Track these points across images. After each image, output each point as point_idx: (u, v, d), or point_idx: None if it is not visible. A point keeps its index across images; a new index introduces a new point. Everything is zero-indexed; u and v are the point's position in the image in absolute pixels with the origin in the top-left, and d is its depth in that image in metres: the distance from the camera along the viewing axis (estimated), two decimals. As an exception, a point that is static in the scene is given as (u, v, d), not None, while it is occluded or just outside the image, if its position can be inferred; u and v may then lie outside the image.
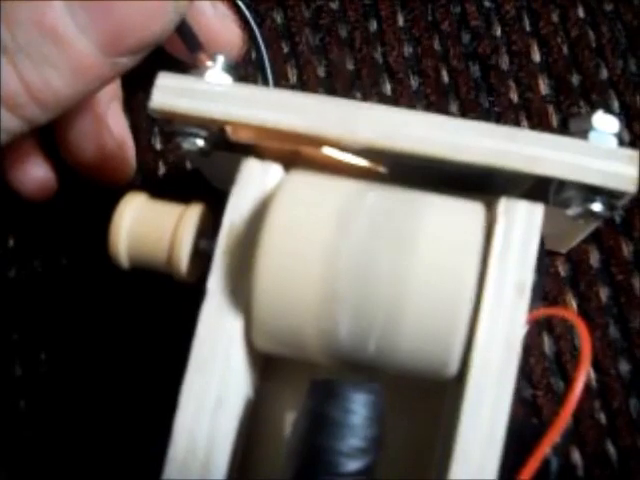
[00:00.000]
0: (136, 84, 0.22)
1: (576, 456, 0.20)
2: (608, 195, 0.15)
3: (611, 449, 0.20)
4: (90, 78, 0.17)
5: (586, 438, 0.20)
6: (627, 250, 0.20)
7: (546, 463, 0.16)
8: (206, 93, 0.15)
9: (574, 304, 0.20)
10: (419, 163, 0.15)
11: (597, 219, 0.15)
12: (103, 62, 0.17)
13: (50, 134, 0.21)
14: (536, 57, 0.22)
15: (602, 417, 0.20)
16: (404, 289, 0.14)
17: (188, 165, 0.23)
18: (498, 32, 0.22)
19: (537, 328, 0.20)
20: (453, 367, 0.14)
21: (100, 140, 0.21)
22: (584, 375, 0.15)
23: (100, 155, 0.21)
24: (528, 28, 0.22)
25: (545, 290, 0.20)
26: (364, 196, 0.15)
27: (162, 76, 0.16)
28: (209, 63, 0.16)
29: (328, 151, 0.15)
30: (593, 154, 0.15)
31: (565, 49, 0.21)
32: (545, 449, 0.15)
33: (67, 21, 0.16)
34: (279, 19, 0.23)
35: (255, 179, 0.15)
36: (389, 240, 0.14)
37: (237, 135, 0.15)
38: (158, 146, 0.23)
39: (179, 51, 0.20)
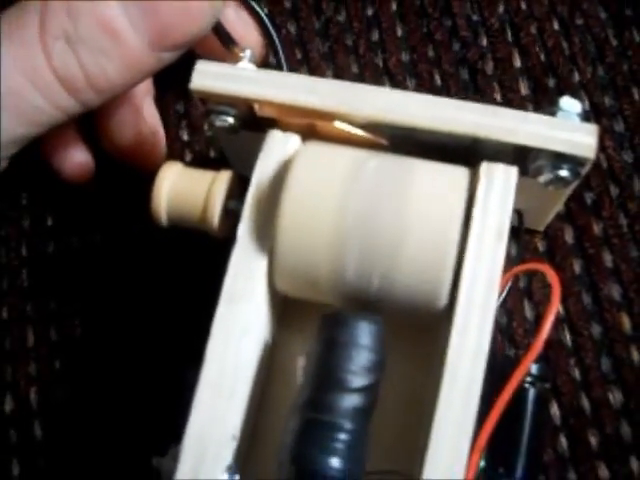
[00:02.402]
0: (165, 84, 0.25)
1: (554, 408, 0.22)
2: (573, 162, 0.18)
3: (585, 401, 0.22)
4: (138, 69, 0.20)
5: (562, 391, 0.22)
6: (597, 228, 0.23)
7: (524, 392, 0.19)
8: (238, 76, 0.19)
9: (552, 275, 0.23)
10: (415, 135, 0.18)
11: (565, 185, 0.19)
12: (150, 56, 0.20)
13: (89, 123, 0.25)
14: (517, 63, 0.25)
15: (576, 373, 0.22)
16: (401, 234, 0.17)
17: (212, 153, 0.26)
18: (484, 42, 0.25)
19: (519, 295, 0.23)
20: (443, 299, 0.17)
21: (136, 129, 0.24)
22: (554, 313, 0.18)
23: (135, 142, 0.24)
24: (510, 38, 0.25)
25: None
26: (368, 161, 0.18)
27: (201, 62, 0.19)
28: (242, 54, 0.20)
29: (338, 125, 0.18)
30: (560, 127, 0.18)
31: (542, 56, 0.25)
32: (519, 376, 0.17)
33: (122, 18, 0.19)
34: (293, 29, 0.26)
35: (278, 147, 0.19)
36: (388, 195, 0.17)
37: (263, 111, 0.19)
38: (185, 137, 0.26)
39: (208, 52, 0.23)
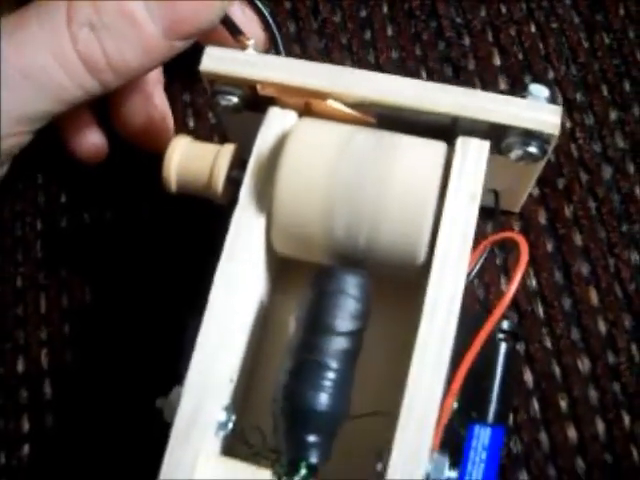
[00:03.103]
0: (173, 76, 0.28)
1: (527, 374, 0.24)
2: (540, 140, 0.20)
3: (555, 367, 0.24)
4: (153, 55, 0.22)
5: (535, 358, 0.24)
6: (568, 211, 0.26)
7: (496, 345, 0.21)
8: (244, 60, 0.21)
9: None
10: (400, 114, 0.21)
11: (533, 160, 0.21)
12: (164, 44, 0.22)
13: (103, 108, 0.27)
14: (496, 61, 0.28)
15: (548, 341, 0.24)
16: (385, 198, 0.19)
17: (215, 139, 0.28)
18: (467, 42, 0.28)
19: (496, 271, 0.25)
20: (421, 256, 0.19)
21: (147, 114, 0.26)
22: (522, 271, 0.20)
23: (146, 126, 0.26)
24: (491, 39, 0.28)
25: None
26: (356, 134, 0.20)
27: (210, 48, 0.21)
28: (248, 43, 0.22)
29: (331, 103, 0.21)
30: (529, 107, 0.20)
31: (520, 55, 0.27)
32: (490, 325, 0.19)
33: (142, 9, 0.22)
34: (292, 28, 0.29)
35: (277, 122, 0.21)
36: (374, 163, 0.19)
37: (265, 91, 0.21)
38: (191, 124, 0.28)
39: (215, 44, 0.26)
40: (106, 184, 0.28)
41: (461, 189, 0.19)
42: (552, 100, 0.21)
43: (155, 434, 0.18)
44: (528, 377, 0.24)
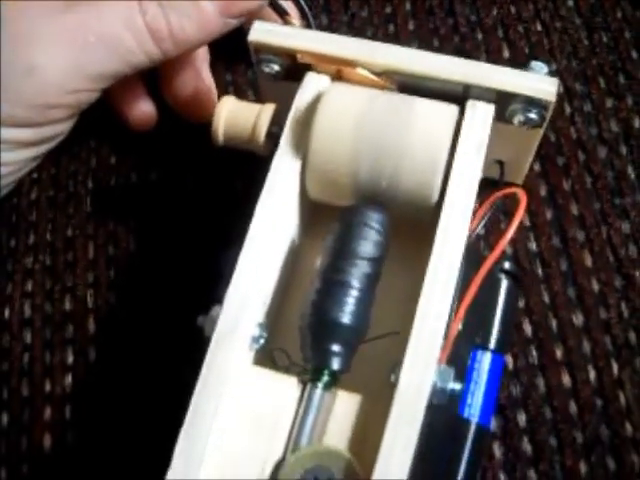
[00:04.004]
0: (218, 57, 0.32)
1: (527, 325, 0.27)
2: (539, 106, 0.24)
3: (552, 320, 0.27)
4: (209, 30, 0.26)
5: (534, 311, 0.27)
6: (566, 184, 0.29)
7: (497, 281, 0.24)
8: (287, 33, 0.25)
9: (527, 221, 0.29)
10: (419, 83, 0.24)
11: (534, 125, 0.24)
12: (219, 21, 0.26)
13: (153, 81, 0.31)
14: (505, 54, 0.31)
15: (546, 297, 0.28)
16: (405, 146, 0.23)
17: (251, 113, 0.32)
18: (479, 36, 0.32)
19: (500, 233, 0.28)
20: (436, 194, 0.23)
21: (195, 86, 0.30)
22: (519, 217, 0.23)
23: (193, 97, 0.30)
24: (501, 35, 0.32)
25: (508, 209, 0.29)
26: (380, 95, 0.24)
27: (257, 22, 0.25)
28: (293, 22, 0.26)
29: (360, 71, 0.24)
30: (530, 78, 0.24)
31: (526, 50, 0.31)
32: (489, 264, 0.23)
33: None
34: (325, 20, 0.33)
35: (313, 84, 0.25)
36: (395, 117, 0.23)
37: (303, 59, 0.25)
38: (230, 100, 0.32)
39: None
40: (152, 149, 0.31)
41: (469, 141, 0.23)
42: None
43: (194, 360, 0.21)
44: (527, 328, 0.27)
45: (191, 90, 0.30)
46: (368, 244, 0.22)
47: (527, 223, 0.29)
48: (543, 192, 0.29)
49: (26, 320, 0.29)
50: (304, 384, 0.22)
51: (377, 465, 0.20)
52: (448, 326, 0.22)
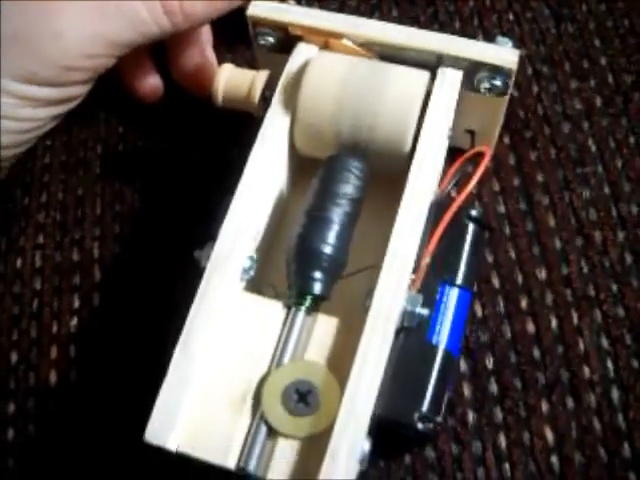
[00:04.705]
0: (219, 39, 0.35)
1: (495, 278, 0.30)
2: (503, 75, 0.27)
3: (518, 274, 0.30)
4: (215, 7, 0.30)
5: (502, 265, 0.30)
6: (533, 155, 0.33)
7: (464, 227, 0.27)
8: (280, 8, 0.29)
9: (497, 187, 0.32)
10: (396, 53, 0.28)
11: (498, 93, 0.28)
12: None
13: (161, 57, 0.34)
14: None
15: (512, 253, 0.31)
16: (382, 101, 0.26)
17: (248, 89, 0.35)
18: (457, 25, 0.36)
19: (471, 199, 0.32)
20: (409, 143, 0.26)
21: (199, 62, 0.34)
22: (483, 167, 0.27)
23: (196, 72, 0.34)
24: (476, 23, 0.35)
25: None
26: (362, 62, 0.27)
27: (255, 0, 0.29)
28: (290, 1, 0.30)
29: (345, 42, 0.28)
30: (495, 49, 0.27)
31: (499, 37, 0.35)
32: (456, 205, 0.26)
33: None
34: (315, 7, 0.37)
35: (302, 52, 0.28)
36: (373, 79, 0.27)
37: (294, 31, 0.28)
38: (229, 78, 0.36)
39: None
40: (158, 120, 0.35)
41: (439, 100, 0.26)
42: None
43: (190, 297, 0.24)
44: (495, 280, 0.30)
45: (195, 66, 0.33)
46: (349, 186, 0.25)
47: (496, 188, 0.32)
48: (512, 162, 0.32)
49: (37, 269, 0.32)
50: (288, 308, 0.25)
51: (351, 375, 0.23)
52: (419, 259, 0.25)
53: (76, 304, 0.31)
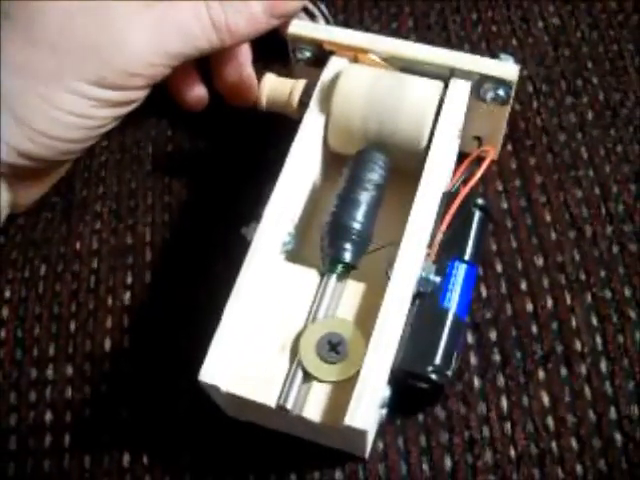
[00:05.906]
0: (257, 59, 0.41)
1: (498, 263, 0.35)
2: (505, 85, 0.33)
3: (518, 260, 0.35)
4: (256, 27, 0.36)
5: (504, 252, 0.36)
6: (532, 160, 0.38)
7: (472, 214, 0.32)
8: (316, 28, 0.35)
9: (500, 187, 0.37)
10: (414, 67, 0.34)
11: (502, 102, 0.33)
12: (265, 19, 0.36)
13: (207, 69, 0.40)
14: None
15: (513, 242, 0.36)
16: (402, 109, 0.32)
17: (282, 100, 0.41)
18: (467, 47, 0.42)
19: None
20: (425, 140, 0.32)
21: (240, 75, 0.39)
22: (488, 161, 0.32)
23: (237, 85, 0.40)
24: (484, 47, 0.41)
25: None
26: (386, 73, 0.33)
27: (294, 20, 0.35)
28: (321, 21, 0.36)
29: (371, 56, 0.34)
30: (499, 64, 0.33)
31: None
32: (464, 193, 0.31)
33: None
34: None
35: (335, 64, 0.34)
36: (395, 88, 0.32)
37: (329, 47, 0.34)
38: (265, 90, 0.42)
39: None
40: (202, 125, 0.41)
41: (451, 107, 0.32)
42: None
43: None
44: (498, 266, 0.35)
45: (236, 79, 0.39)
46: (374, 174, 0.31)
47: (500, 188, 0.37)
48: (514, 166, 0.38)
49: (94, 251, 0.38)
50: (322, 275, 0.30)
51: (375, 330, 0.28)
52: (434, 236, 0.30)
53: (129, 280, 0.37)
